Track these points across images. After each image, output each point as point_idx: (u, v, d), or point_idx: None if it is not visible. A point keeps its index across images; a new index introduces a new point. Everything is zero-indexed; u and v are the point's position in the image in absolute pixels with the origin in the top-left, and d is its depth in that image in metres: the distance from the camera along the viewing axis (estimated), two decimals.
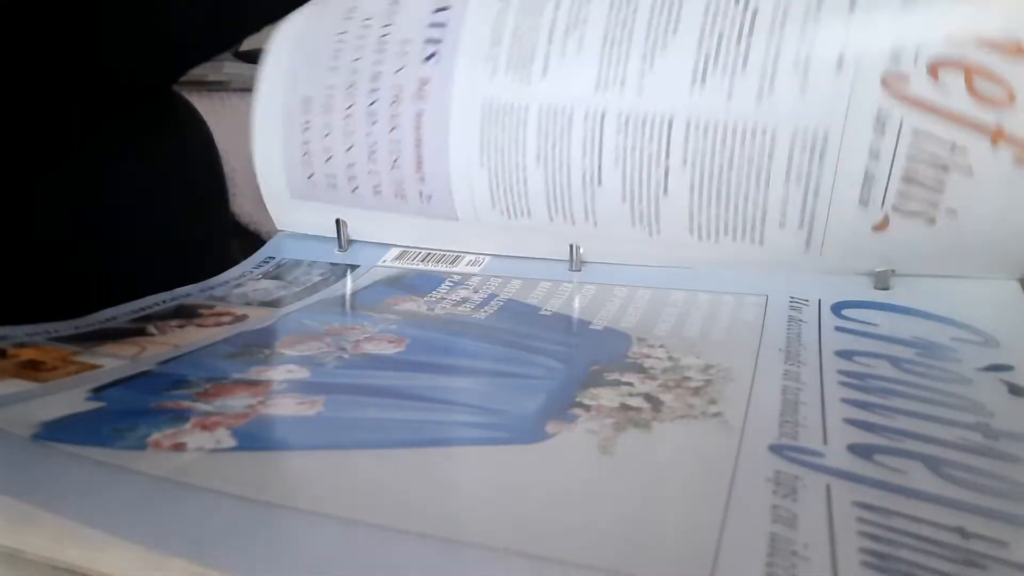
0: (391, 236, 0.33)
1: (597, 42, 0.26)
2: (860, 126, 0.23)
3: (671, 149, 0.25)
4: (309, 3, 0.33)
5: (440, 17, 0.30)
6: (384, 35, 0.31)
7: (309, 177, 0.33)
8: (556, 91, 0.27)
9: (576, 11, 0.27)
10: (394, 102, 0.30)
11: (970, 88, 0.21)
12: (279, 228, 0.35)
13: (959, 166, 0.22)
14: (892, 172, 0.23)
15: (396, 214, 0.32)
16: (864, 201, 0.23)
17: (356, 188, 0.32)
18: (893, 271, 0.25)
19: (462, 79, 0.29)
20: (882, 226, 0.23)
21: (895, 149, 0.22)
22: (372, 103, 0.30)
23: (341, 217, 0.33)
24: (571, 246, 0.30)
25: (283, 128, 0.33)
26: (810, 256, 0.26)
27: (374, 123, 0.30)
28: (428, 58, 0.30)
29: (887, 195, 0.23)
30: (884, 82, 0.22)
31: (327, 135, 0.31)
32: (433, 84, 0.29)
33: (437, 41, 0.29)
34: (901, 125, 0.22)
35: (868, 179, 0.23)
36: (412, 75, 0.30)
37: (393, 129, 0.30)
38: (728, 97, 0.24)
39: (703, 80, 0.24)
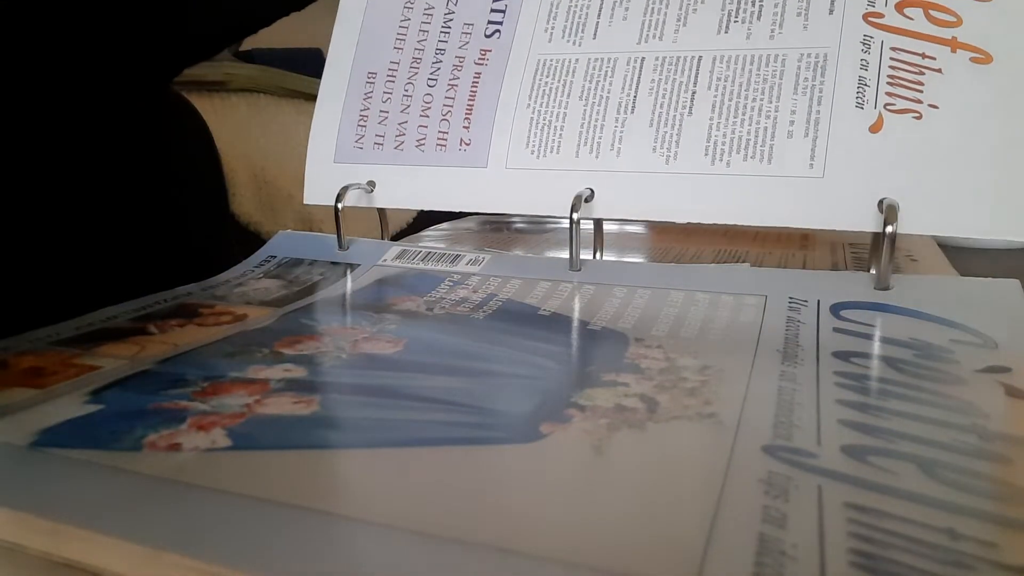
0: (415, 194, 0.34)
1: (639, 13, 0.32)
2: (851, 47, 0.29)
3: (699, 77, 0.30)
4: None
5: (500, 4, 0.35)
6: (448, 21, 0.35)
7: (357, 140, 0.35)
8: (603, 47, 0.33)
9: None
10: (455, 68, 0.35)
11: (928, 17, 0.28)
12: (308, 201, 0.36)
13: (930, 68, 0.27)
14: (880, 78, 0.28)
15: (427, 168, 0.34)
16: (860, 104, 0.28)
17: (400, 144, 0.35)
18: (896, 206, 0.26)
19: (520, 47, 0.34)
20: (877, 126, 0.27)
21: (880, 60, 0.28)
22: (434, 72, 0.35)
23: (373, 178, 0.35)
24: (571, 224, 0.30)
25: (345, 98, 0.36)
26: (814, 173, 0.28)
27: (433, 85, 0.35)
28: (489, 36, 0.35)
29: (878, 97, 0.28)
30: (864, 18, 0.29)
31: (387, 100, 0.35)
32: (493, 53, 0.34)
33: (498, 22, 0.35)
34: (882, 45, 0.28)
35: (861, 85, 0.28)
36: (475, 48, 0.35)
37: (451, 88, 0.35)
38: (747, 38, 0.30)
39: (726, 30, 0.31)
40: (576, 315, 0.27)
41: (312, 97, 0.36)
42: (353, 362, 0.23)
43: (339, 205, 0.33)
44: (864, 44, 0.28)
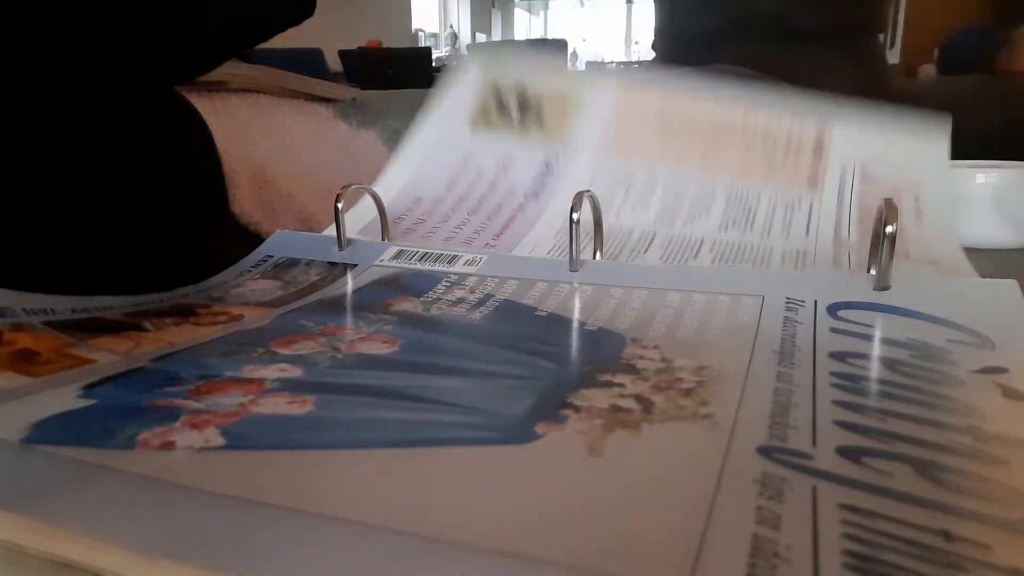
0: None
1: (655, 206, 0.39)
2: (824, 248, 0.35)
3: (701, 249, 0.36)
4: (425, 129, 0.44)
5: (542, 179, 0.42)
6: (494, 183, 0.42)
7: (387, 223, 0.38)
8: (623, 222, 0.39)
9: (640, 200, 0.40)
10: (494, 210, 0.40)
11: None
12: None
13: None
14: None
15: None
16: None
17: (429, 237, 0.39)
18: (896, 204, 0.27)
19: (554, 209, 0.40)
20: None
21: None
22: (474, 209, 0.41)
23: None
24: (571, 228, 0.30)
25: (387, 204, 0.38)
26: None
27: (472, 215, 0.40)
28: (527, 197, 0.41)
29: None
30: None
31: (425, 215, 0.40)
32: (530, 207, 0.40)
33: (539, 189, 0.41)
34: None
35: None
36: (515, 202, 0.41)
37: (487, 220, 0.40)
38: (742, 236, 0.37)
39: (726, 230, 0.37)
40: (573, 315, 0.27)
41: (312, 97, 0.36)
42: (348, 362, 0.23)
43: (339, 205, 0.33)
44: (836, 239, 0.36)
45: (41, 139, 0.27)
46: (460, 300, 0.28)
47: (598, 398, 0.19)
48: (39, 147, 0.27)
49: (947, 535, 0.13)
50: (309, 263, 0.33)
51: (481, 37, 5.68)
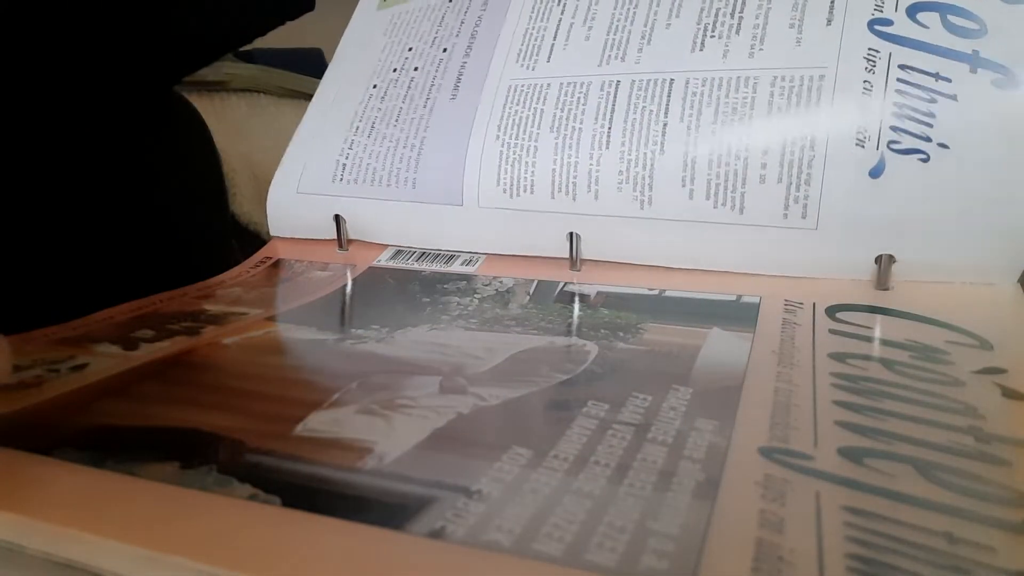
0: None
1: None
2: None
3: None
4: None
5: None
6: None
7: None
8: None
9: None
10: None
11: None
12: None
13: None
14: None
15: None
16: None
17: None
18: (892, 257, 0.25)
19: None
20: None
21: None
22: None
23: (342, 213, 0.33)
24: (570, 234, 0.30)
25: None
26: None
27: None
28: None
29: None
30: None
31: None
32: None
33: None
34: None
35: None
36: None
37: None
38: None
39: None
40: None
41: (312, 97, 0.36)
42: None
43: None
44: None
45: (40, 140, 0.27)
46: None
47: None
48: (38, 148, 0.27)
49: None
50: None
51: None
